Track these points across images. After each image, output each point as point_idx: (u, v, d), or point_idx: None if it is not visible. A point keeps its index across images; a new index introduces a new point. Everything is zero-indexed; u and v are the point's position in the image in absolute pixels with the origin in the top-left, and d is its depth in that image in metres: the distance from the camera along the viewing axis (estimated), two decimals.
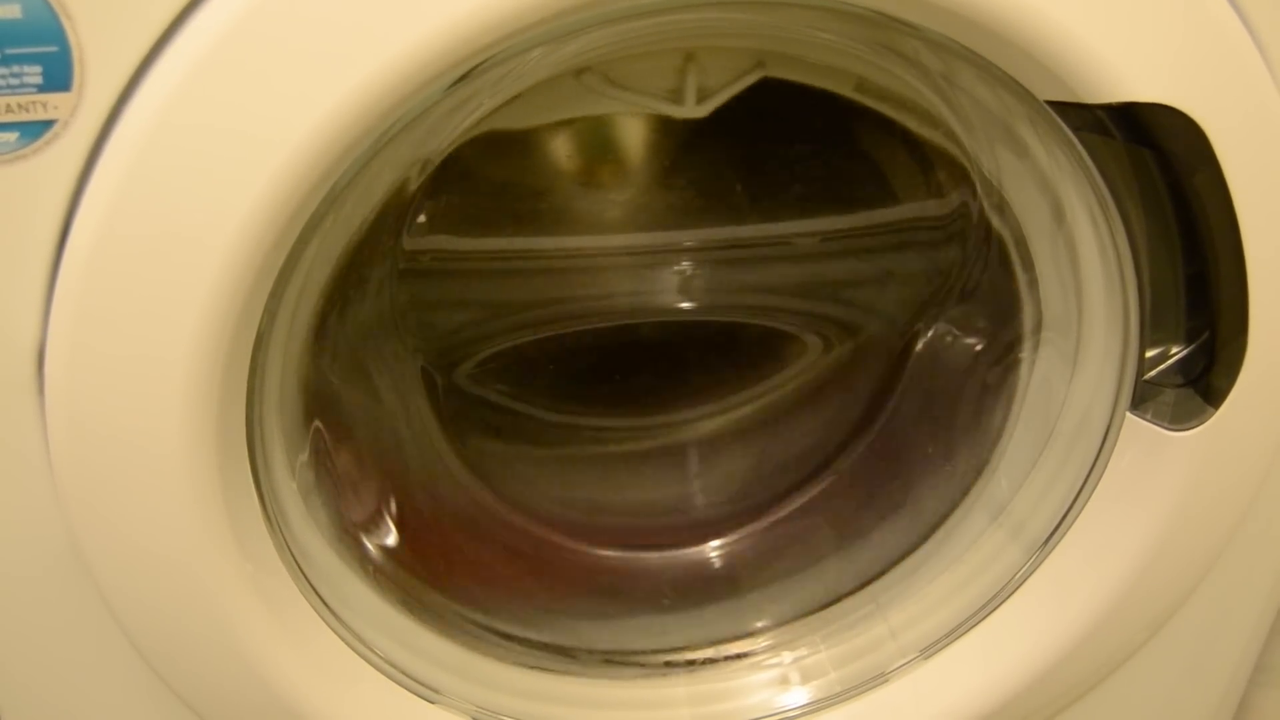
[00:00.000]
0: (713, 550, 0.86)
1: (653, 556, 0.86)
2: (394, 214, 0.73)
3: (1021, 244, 0.71)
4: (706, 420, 0.91)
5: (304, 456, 0.65)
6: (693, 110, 0.73)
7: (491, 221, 0.81)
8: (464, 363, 0.86)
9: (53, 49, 0.46)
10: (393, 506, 0.75)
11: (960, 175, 0.75)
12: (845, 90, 0.73)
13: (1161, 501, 0.63)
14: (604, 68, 0.71)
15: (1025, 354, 0.73)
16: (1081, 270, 0.65)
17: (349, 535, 0.68)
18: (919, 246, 0.83)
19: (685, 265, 0.85)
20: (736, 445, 0.91)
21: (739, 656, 0.76)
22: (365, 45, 0.46)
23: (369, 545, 0.71)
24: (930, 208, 0.81)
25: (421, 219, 0.77)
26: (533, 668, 0.72)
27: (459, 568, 0.79)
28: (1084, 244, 0.64)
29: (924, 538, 0.77)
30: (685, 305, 0.87)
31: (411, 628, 0.68)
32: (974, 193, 0.75)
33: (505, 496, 0.85)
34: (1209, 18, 0.52)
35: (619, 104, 0.74)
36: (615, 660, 0.76)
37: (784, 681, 0.74)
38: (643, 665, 0.75)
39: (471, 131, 0.69)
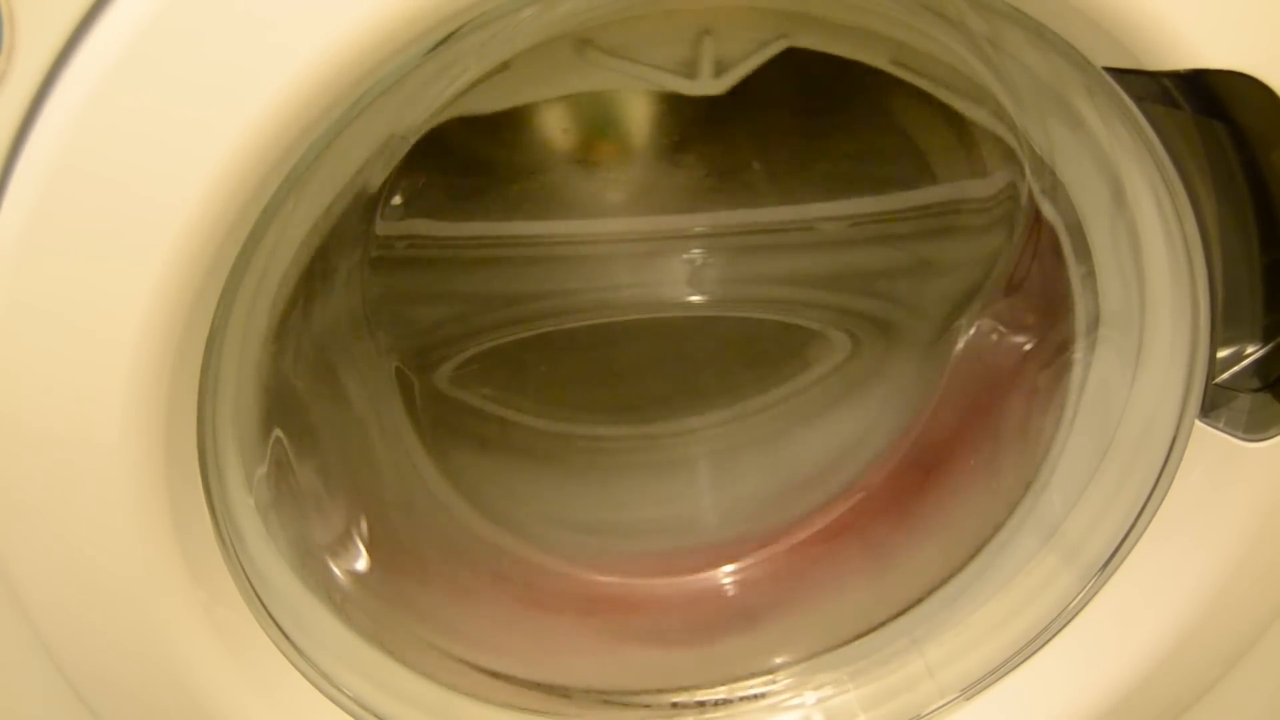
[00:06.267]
0: (726, 577, 0.86)
1: (658, 584, 0.86)
2: (366, 196, 0.73)
3: (1076, 230, 0.71)
4: (719, 429, 0.91)
5: (263, 469, 0.65)
6: (708, 86, 0.73)
7: (476, 204, 0.81)
8: (444, 364, 0.86)
9: None
10: (363, 527, 0.75)
11: (1007, 152, 0.75)
12: (880, 62, 0.73)
13: (1235, 521, 0.63)
14: (606, 37, 0.71)
15: (1080, 354, 0.73)
16: (1144, 259, 0.65)
17: (314, 559, 0.68)
18: (960, 232, 0.83)
19: (696, 253, 0.86)
20: (753, 457, 0.91)
21: (756, 697, 0.76)
22: (333, 2, 0.46)
23: (336, 570, 0.71)
24: (973, 189, 0.81)
25: (396, 201, 0.77)
26: (522, 709, 0.72)
27: (438, 596, 0.79)
28: (1147, 229, 0.64)
29: (965, 562, 0.77)
30: (695, 298, 0.87)
31: (384, 664, 0.68)
32: (1023, 172, 0.75)
33: (491, 515, 0.85)
34: None
35: (624, 78, 0.74)
36: (615, 701, 0.76)
37: None
38: (647, 707, 0.75)
39: (454, 111, 0.69)
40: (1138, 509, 0.66)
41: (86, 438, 0.51)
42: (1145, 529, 0.66)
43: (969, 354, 0.84)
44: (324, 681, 0.63)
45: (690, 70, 0.73)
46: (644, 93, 0.78)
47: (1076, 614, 0.69)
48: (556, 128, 0.79)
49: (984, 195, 0.80)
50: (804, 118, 0.81)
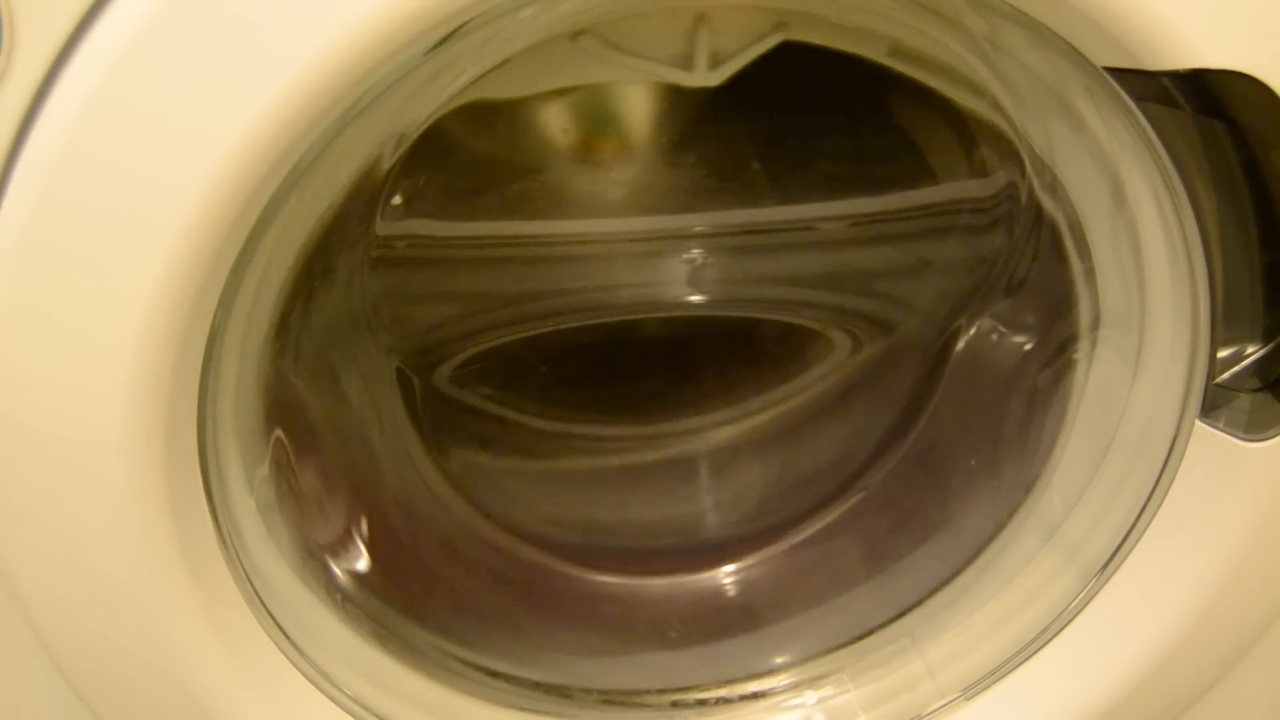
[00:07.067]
0: (726, 577, 0.86)
1: (658, 584, 0.86)
2: (366, 195, 0.73)
3: (1076, 229, 0.71)
4: (719, 429, 0.91)
5: (263, 469, 0.65)
6: (704, 78, 0.73)
7: (476, 203, 0.81)
8: (444, 363, 0.86)
9: None
10: (363, 527, 0.75)
11: (1007, 152, 0.75)
12: (877, 56, 0.72)
13: (1235, 521, 0.63)
14: (603, 29, 0.71)
15: (1080, 354, 0.73)
16: (1144, 259, 0.65)
17: (314, 559, 0.68)
18: (960, 232, 0.83)
19: (695, 253, 0.85)
20: (753, 457, 0.91)
21: (756, 696, 0.76)
22: (334, 3, 0.46)
23: (337, 570, 0.70)
24: (973, 188, 0.81)
25: (397, 200, 0.77)
26: (522, 709, 0.72)
27: (439, 596, 0.79)
28: (1147, 229, 0.64)
29: (966, 563, 0.77)
30: (695, 298, 0.87)
31: (385, 664, 0.68)
32: (1023, 171, 0.75)
33: (491, 515, 0.85)
34: None
35: (620, 70, 0.74)
36: (616, 701, 0.75)
37: None
38: (647, 706, 0.75)
39: (454, 101, 0.69)
40: (1138, 509, 0.66)
41: (86, 438, 0.51)
42: (1145, 529, 0.66)
43: (969, 354, 0.84)
44: (324, 681, 0.63)
45: (686, 63, 0.73)
46: (643, 91, 0.78)
47: (1076, 614, 0.69)
48: (556, 127, 0.79)
49: (984, 195, 0.80)
50: (804, 117, 0.80)
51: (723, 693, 0.76)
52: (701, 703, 0.76)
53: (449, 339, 0.86)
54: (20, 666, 0.61)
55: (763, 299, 0.89)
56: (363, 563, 0.73)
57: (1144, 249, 0.65)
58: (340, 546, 0.72)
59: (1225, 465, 0.63)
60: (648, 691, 0.76)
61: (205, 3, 0.46)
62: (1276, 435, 0.61)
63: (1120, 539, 0.67)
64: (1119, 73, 0.56)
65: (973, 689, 0.70)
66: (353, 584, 0.71)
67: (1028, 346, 0.80)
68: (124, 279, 0.48)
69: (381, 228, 0.77)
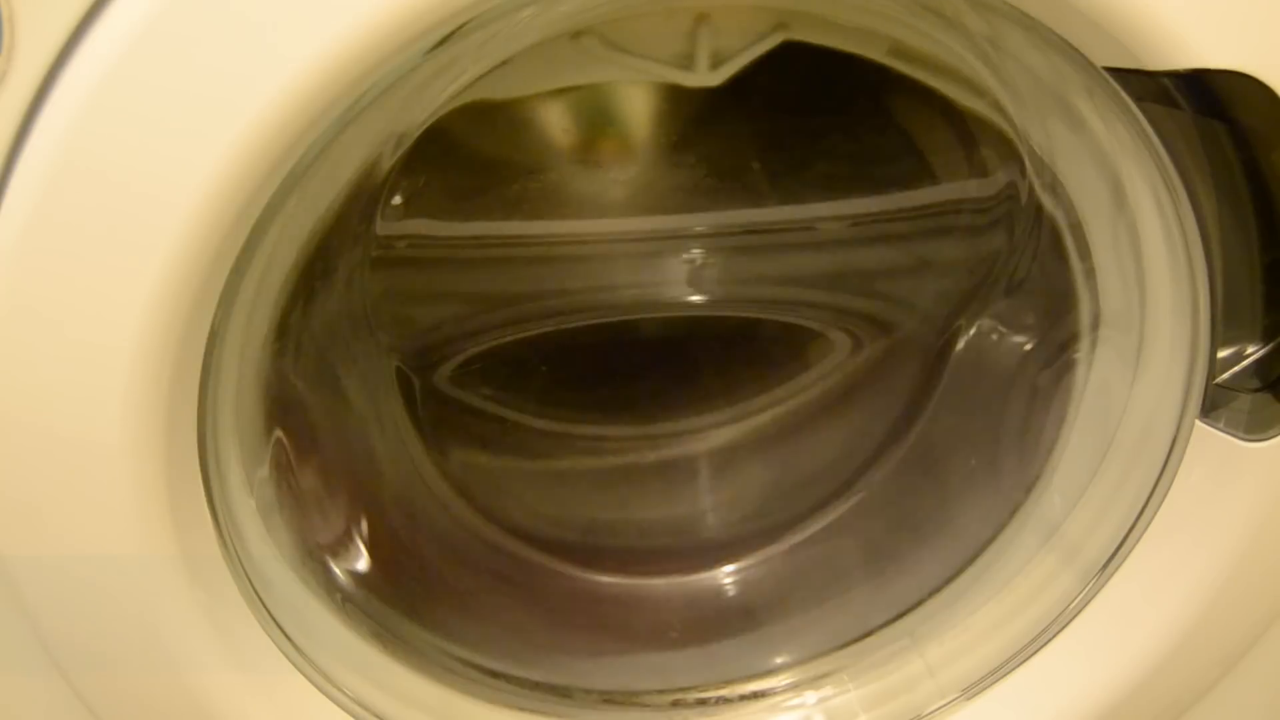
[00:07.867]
0: (726, 576, 0.86)
1: (658, 584, 0.86)
2: (366, 195, 0.73)
3: (1077, 229, 0.71)
4: (719, 429, 0.91)
5: (263, 470, 0.65)
6: (705, 78, 0.73)
7: (476, 203, 0.81)
8: (444, 363, 0.86)
9: None
10: (364, 527, 0.75)
11: (1007, 152, 0.75)
12: (877, 55, 0.72)
13: (1235, 521, 0.63)
14: (604, 29, 0.71)
15: (1081, 354, 0.73)
16: (1145, 259, 0.65)
17: (314, 559, 0.68)
18: (960, 232, 0.83)
19: (696, 253, 0.85)
20: (753, 457, 0.91)
21: (756, 696, 0.76)
22: (334, 3, 0.46)
23: (337, 571, 0.70)
24: (973, 188, 0.81)
25: (397, 200, 0.77)
26: (522, 709, 0.72)
27: (439, 596, 0.79)
28: (1147, 229, 0.64)
29: (966, 563, 0.77)
30: (695, 298, 0.87)
31: (386, 664, 0.68)
32: (1023, 171, 0.75)
33: (491, 515, 0.85)
34: None
35: (621, 70, 0.74)
36: (616, 701, 0.75)
37: None
38: (647, 706, 0.75)
39: (454, 101, 0.69)
40: (1138, 509, 0.66)
41: (86, 438, 0.51)
42: (1145, 529, 0.66)
43: (969, 354, 0.84)
44: (324, 681, 0.63)
45: (687, 63, 0.73)
46: (644, 92, 0.78)
47: (1076, 614, 0.69)
48: (557, 127, 0.79)
49: (984, 195, 0.80)
50: (804, 117, 0.80)
51: (723, 693, 0.76)
52: (701, 703, 0.76)
53: (449, 339, 0.86)
54: (20, 666, 0.61)
55: (763, 299, 0.89)
56: (363, 563, 0.73)
57: (1144, 249, 0.65)
58: (340, 546, 0.72)
59: (1225, 465, 0.63)
60: (648, 691, 0.76)
61: (206, 3, 0.46)
62: (1276, 435, 0.61)
63: (1120, 539, 0.67)
64: (1119, 73, 0.56)
65: (973, 689, 0.70)
66: (353, 584, 0.71)
67: (1028, 347, 0.80)
68: (124, 279, 0.48)
69: (382, 228, 0.77)
